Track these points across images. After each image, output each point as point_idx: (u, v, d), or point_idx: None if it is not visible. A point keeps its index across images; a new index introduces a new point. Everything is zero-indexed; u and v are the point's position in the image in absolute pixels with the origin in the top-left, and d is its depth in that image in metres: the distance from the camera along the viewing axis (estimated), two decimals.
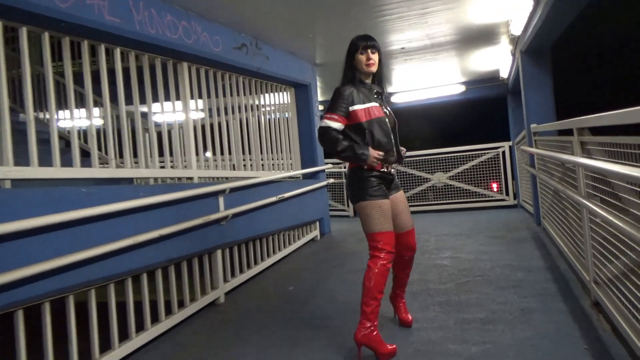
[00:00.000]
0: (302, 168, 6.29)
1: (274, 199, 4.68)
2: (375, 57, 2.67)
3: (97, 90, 3.18)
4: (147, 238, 2.87)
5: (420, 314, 3.14)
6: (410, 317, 2.98)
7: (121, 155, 3.69)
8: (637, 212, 2.07)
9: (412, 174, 9.00)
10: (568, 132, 3.42)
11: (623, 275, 2.44)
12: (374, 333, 2.52)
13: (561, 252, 4.14)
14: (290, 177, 5.76)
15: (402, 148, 2.78)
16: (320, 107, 9.76)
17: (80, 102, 4.53)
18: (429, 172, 8.93)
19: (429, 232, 6.06)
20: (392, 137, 2.69)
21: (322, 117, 2.64)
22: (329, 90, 8.93)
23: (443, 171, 8.85)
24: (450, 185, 8.81)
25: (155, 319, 3.18)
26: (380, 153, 2.58)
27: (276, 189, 4.96)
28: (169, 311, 3.31)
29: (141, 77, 3.53)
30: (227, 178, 4.52)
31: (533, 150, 4.94)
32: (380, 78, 2.79)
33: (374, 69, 2.69)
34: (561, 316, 2.86)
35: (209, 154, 5.16)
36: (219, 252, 3.90)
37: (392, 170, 2.73)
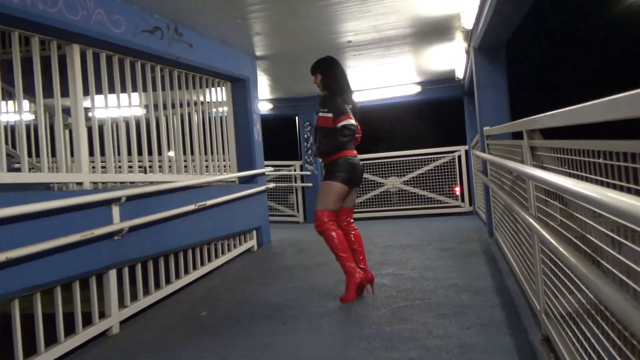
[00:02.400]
0: (239, 171, 5.68)
1: (192, 207, 4.06)
2: (316, 80, 3.65)
3: None
4: None
5: (341, 350, 2.60)
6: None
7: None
8: (596, 243, 1.58)
9: (364, 178, 8.50)
10: (520, 135, 2.97)
11: (576, 314, 1.96)
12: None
13: (512, 270, 3.69)
14: (219, 181, 5.14)
15: (316, 145, 3.58)
16: (270, 106, 9.17)
17: None
18: (382, 177, 8.48)
19: (374, 242, 5.56)
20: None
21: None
22: (281, 88, 8.34)
23: (397, 176, 8.41)
24: (405, 190, 8.38)
25: None
26: None
27: (199, 194, 4.34)
28: (31, 351, 2.65)
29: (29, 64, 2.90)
30: (133, 183, 3.87)
31: (484, 155, 4.51)
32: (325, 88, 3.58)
33: (319, 88, 3.64)
34: (506, 356, 2.37)
35: (171, 153, 4.51)
36: (112, 273, 3.25)
37: (321, 163, 3.73)
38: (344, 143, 3.38)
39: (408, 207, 8.31)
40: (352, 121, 3.35)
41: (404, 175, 8.37)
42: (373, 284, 3.50)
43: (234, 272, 4.67)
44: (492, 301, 3.17)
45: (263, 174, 5.95)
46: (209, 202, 4.34)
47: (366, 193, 8.52)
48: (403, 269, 4.20)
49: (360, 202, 8.51)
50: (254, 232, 5.67)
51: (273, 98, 9.08)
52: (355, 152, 3.52)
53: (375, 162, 8.47)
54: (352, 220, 3.60)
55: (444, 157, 8.23)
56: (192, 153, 4.83)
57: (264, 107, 9.19)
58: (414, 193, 8.31)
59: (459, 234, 5.81)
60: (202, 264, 4.50)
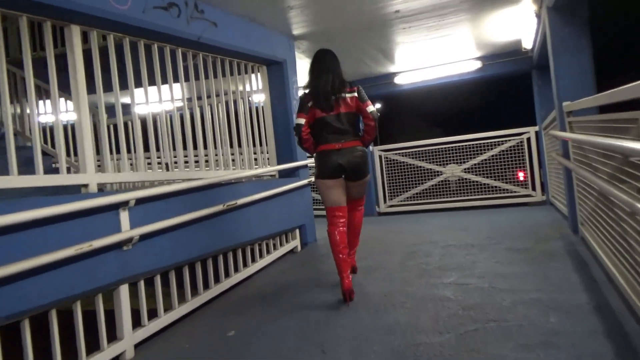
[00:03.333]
0: (279, 163, 5.16)
1: (220, 207, 3.56)
2: None
3: None
4: None
5: None
6: None
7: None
8: None
9: (420, 167, 7.76)
10: (623, 108, 2.22)
11: None
12: None
13: (612, 281, 2.90)
14: (256, 176, 4.63)
15: None
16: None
17: None
18: (440, 165, 7.68)
19: (433, 241, 4.85)
20: None
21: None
22: None
23: (457, 163, 7.58)
24: (466, 179, 7.54)
25: None
26: None
27: (231, 192, 3.85)
28: None
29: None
30: (156, 182, 3.42)
31: (567, 135, 3.69)
32: None
33: None
34: None
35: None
36: (123, 289, 2.80)
37: None
38: (298, 143, 3.42)
39: (470, 197, 7.48)
40: (299, 120, 3.27)
41: (464, 162, 7.52)
42: (349, 271, 3.29)
43: (271, 278, 4.15)
44: (592, 325, 2.43)
45: (306, 166, 5.39)
46: (242, 201, 3.83)
47: (422, 183, 7.76)
48: (469, 276, 3.49)
49: (416, 194, 7.78)
50: (297, 231, 5.13)
51: None
52: (336, 144, 3.26)
53: (431, 149, 7.68)
54: (361, 209, 3.64)
55: (510, 140, 7.30)
56: (225, 146, 4.34)
57: None
58: (477, 182, 7.46)
59: (533, 230, 4.97)
60: (237, 269, 4.00)
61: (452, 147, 7.59)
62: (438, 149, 7.65)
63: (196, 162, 3.91)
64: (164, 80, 3.66)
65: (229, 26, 4.25)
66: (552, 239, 4.39)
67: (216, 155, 4.16)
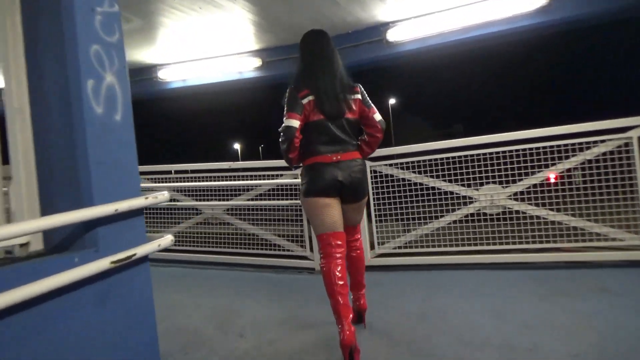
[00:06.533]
0: (45, 213, 1.92)
1: None
2: None
3: None
4: None
5: None
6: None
7: None
8: None
9: (433, 189, 4.47)
10: None
11: None
12: None
13: None
14: None
15: None
16: (257, 63, 5.33)
17: None
18: (468, 185, 4.38)
19: None
20: None
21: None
22: (275, 28, 4.53)
23: (499, 183, 4.28)
24: (516, 213, 4.24)
25: None
26: None
27: None
28: None
29: None
30: None
31: None
32: None
33: None
34: None
35: None
36: None
37: None
38: (283, 152, 2.58)
39: (522, 246, 4.17)
40: (292, 122, 2.49)
41: (511, 181, 4.23)
42: (365, 314, 2.89)
43: None
44: None
45: (141, 212, 2.12)
46: None
47: (436, 218, 4.47)
48: None
49: (425, 236, 4.49)
50: None
51: (262, 48, 5.23)
52: (333, 156, 2.56)
53: (452, 158, 4.39)
54: (358, 238, 2.88)
55: (600, 142, 3.98)
56: None
57: (247, 65, 5.43)
58: (538, 217, 4.15)
59: None
60: None
61: (488, 154, 4.29)
62: (464, 157, 4.36)
63: None
64: None
65: None
66: None
67: None
